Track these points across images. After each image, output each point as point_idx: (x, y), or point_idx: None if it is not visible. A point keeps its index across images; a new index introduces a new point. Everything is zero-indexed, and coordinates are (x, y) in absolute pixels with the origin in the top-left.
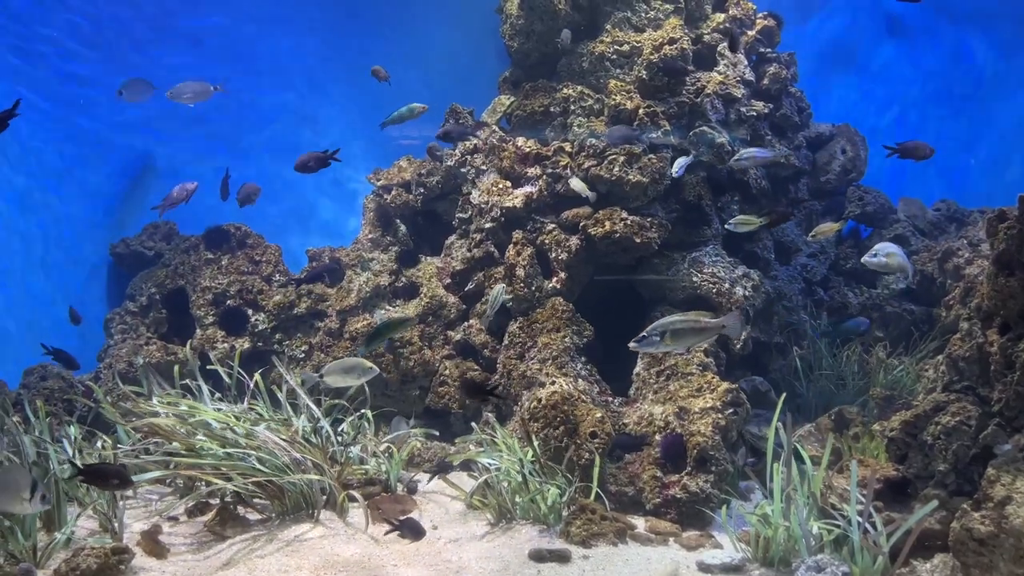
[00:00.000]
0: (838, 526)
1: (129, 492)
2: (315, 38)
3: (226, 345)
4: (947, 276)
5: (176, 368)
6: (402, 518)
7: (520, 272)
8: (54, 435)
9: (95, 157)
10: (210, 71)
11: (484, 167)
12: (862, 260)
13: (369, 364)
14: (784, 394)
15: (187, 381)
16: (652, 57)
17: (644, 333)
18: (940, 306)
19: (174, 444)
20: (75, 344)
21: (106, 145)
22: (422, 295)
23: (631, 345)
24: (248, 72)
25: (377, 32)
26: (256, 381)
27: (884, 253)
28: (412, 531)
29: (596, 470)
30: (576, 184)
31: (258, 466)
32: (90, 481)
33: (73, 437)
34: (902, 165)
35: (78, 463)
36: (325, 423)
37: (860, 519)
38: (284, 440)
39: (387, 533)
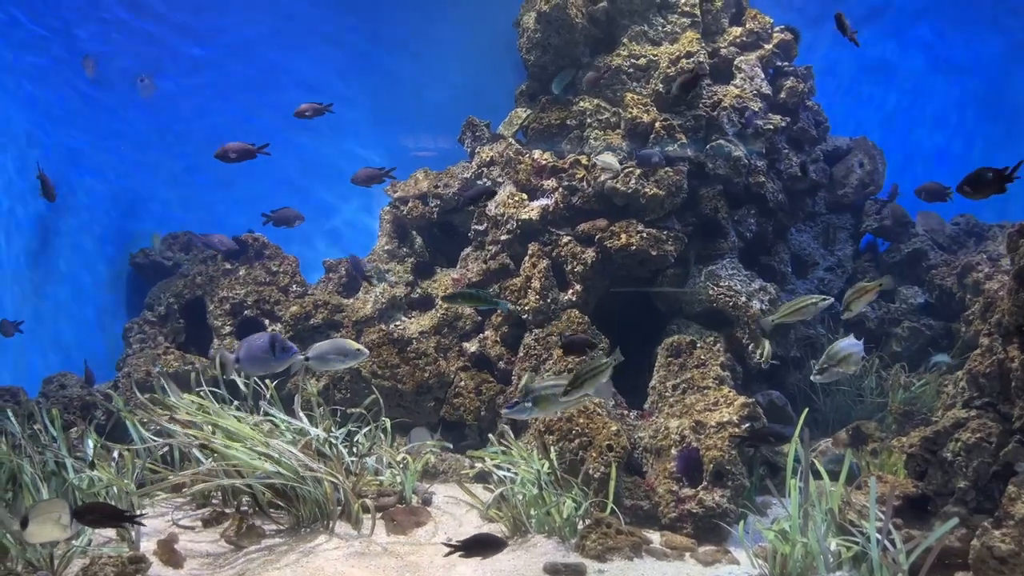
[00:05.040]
0: (857, 543)
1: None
2: (338, 55)
3: None
4: (966, 291)
5: (193, 377)
6: (476, 535)
7: (536, 284)
8: (71, 444)
9: (118, 168)
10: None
11: (500, 179)
12: (812, 379)
13: (357, 346)
14: (806, 409)
15: (201, 390)
16: (669, 71)
17: (516, 399)
18: (959, 321)
19: (193, 446)
20: (96, 353)
21: (129, 156)
22: (438, 306)
23: (503, 412)
24: (270, 89)
25: (397, 47)
26: (271, 393)
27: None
28: (493, 546)
29: (612, 483)
30: (604, 159)
31: (281, 470)
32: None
33: (92, 446)
34: (920, 179)
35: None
36: (339, 433)
37: (879, 536)
38: (300, 451)
39: (448, 553)
